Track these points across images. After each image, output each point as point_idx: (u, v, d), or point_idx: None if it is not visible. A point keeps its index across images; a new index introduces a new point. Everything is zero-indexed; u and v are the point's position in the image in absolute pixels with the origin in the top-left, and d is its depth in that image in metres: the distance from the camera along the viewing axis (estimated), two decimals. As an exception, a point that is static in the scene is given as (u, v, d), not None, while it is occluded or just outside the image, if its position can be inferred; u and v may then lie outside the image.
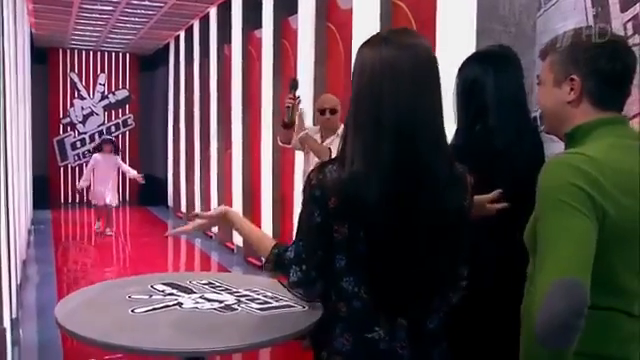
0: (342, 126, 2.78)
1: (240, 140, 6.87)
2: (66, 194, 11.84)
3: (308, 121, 4.85)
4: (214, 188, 7.98)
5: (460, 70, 1.94)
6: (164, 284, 1.50)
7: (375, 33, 1.37)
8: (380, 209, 1.22)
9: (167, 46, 10.66)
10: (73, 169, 11.89)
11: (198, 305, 1.35)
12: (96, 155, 8.21)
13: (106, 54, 11.96)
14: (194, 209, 9.05)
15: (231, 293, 1.46)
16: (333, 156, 2.78)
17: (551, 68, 1.30)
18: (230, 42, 7.18)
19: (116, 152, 8.44)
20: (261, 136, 6.19)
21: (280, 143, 4.14)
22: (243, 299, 1.40)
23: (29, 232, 7.59)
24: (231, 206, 7.33)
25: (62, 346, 4.08)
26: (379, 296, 1.25)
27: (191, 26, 9.00)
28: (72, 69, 11.79)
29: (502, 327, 1.46)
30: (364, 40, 1.35)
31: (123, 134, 12.25)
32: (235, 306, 1.35)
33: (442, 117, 1.30)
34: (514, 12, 3.31)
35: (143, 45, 10.96)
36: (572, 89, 1.26)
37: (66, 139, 11.83)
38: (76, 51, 11.72)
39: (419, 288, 1.27)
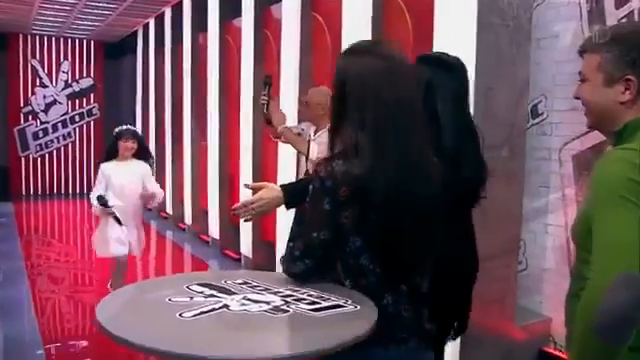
0: None
1: (217, 133, 6.72)
2: (27, 186, 11.42)
3: (294, 114, 4.78)
4: (187, 182, 7.80)
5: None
6: (200, 285, 1.41)
7: (356, 43, 1.56)
8: (389, 195, 1.38)
9: (135, 33, 10.35)
10: (35, 160, 11.46)
11: (246, 307, 1.27)
12: (107, 165, 4.19)
13: (69, 41, 11.53)
14: (164, 202, 8.85)
15: (273, 293, 1.38)
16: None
17: (600, 68, 1.30)
18: (205, 31, 7.00)
19: (144, 156, 4.36)
20: (240, 129, 6.07)
21: (273, 139, 4.09)
22: (289, 299, 1.33)
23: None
24: (207, 202, 7.23)
25: (43, 346, 3.92)
26: (390, 270, 1.42)
27: (162, 13, 8.75)
28: (33, 56, 11.33)
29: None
30: (348, 48, 1.54)
31: (87, 124, 11.87)
32: (285, 307, 1.28)
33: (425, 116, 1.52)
34: (512, 6, 3.32)
35: (109, 32, 10.62)
36: (627, 89, 1.27)
37: (27, 128, 11.38)
38: (37, 37, 11.26)
39: (418, 260, 1.48)
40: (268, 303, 1.30)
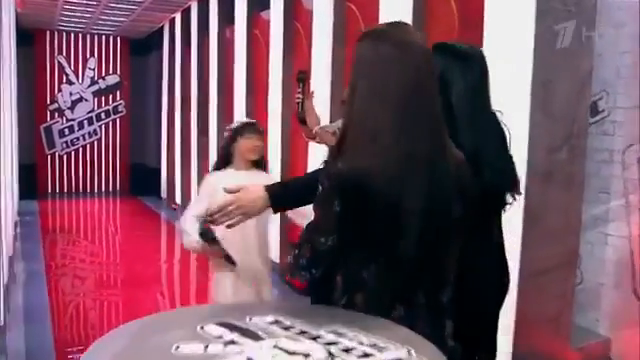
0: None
1: (243, 129, 6.43)
2: (53, 184, 11.30)
3: (326, 112, 4.47)
4: (213, 179, 7.53)
5: None
6: (217, 324, 1.10)
7: (372, 27, 1.47)
8: (390, 195, 1.27)
9: (161, 29, 10.15)
10: (61, 157, 11.35)
11: (277, 362, 0.95)
12: (218, 176, 2.71)
13: (96, 37, 11.39)
14: (189, 200, 8.63)
15: (313, 338, 1.06)
16: None
17: None
18: (233, 24, 6.73)
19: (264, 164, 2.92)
20: (268, 126, 5.77)
21: (307, 139, 3.80)
22: (335, 349, 1.01)
23: (15, 224, 7.11)
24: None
25: (54, 355, 3.68)
26: (397, 277, 1.30)
27: (188, 7, 8.51)
28: (60, 52, 11.20)
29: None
30: (363, 32, 1.42)
31: (113, 121, 11.70)
32: (331, 363, 0.96)
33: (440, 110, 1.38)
34: (575, -12, 2.97)
35: (135, 28, 10.44)
36: None
37: (54, 126, 11.27)
38: (64, 33, 11.14)
39: (438, 266, 1.35)
40: (307, 356, 0.98)
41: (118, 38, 11.51)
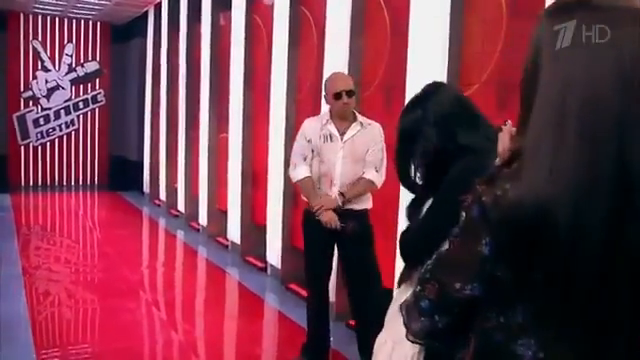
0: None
1: (240, 123, 5.99)
2: (27, 176, 10.67)
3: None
4: (204, 178, 7.07)
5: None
6: None
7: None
8: (594, 239, 0.87)
9: (145, 14, 9.59)
10: (35, 148, 10.71)
11: None
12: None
13: (74, 22, 10.75)
14: (176, 197, 8.16)
15: None
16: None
17: None
18: (229, 9, 6.26)
19: None
20: (268, 122, 5.34)
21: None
22: None
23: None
24: (225, 200, 6.53)
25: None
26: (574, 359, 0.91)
27: (177, -9, 8.00)
28: (35, 37, 10.53)
29: None
30: (549, 7, 0.97)
31: (92, 111, 11.08)
32: None
33: None
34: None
35: (118, 12, 9.86)
36: None
37: (27, 115, 10.61)
38: (40, 17, 10.48)
39: (623, 352, 0.91)
40: None
41: (98, 23, 10.89)
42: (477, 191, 0.95)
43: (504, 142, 1.12)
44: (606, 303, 0.90)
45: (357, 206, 3.27)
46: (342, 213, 3.21)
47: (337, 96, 3.19)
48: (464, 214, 0.98)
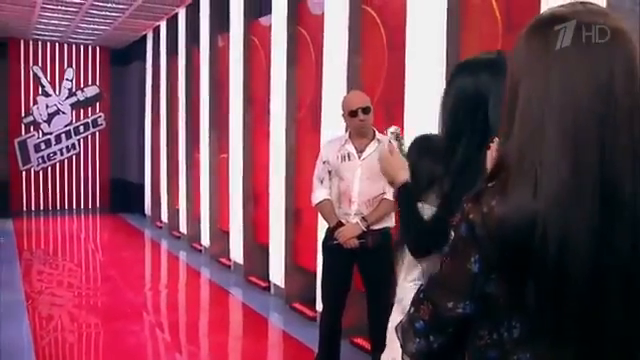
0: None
1: (240, 143, 6.01)
2: (29, 201, 10.68)
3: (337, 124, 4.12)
4: (205, 198, 7.08)
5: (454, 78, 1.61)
6: None
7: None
8: (581, 254, 0.87)
9: (144, 38, 9.68)
10: (37, 173, 10.74)
11: None
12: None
13: (74, 46, 10.84)
14: (178, 219, 8.16)
15: None
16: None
17: None
18: (227, 31, 6.32)
19: None
20: (269, 139, 5.36)
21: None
22: None
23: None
24: (227, 221, 6.53)
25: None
26: None
27: (175, 15, 8.07)
28: (35, 62, 10.62)
29: None
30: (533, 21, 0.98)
31: (93, 135, 11.13)
32: None
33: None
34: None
35: (116, 37, 9.94)
36: None
37: (29, 140, 10.64)
38: (40, 43, 10.57)
39: (616, 357, 0.92)
40: None
41: (97, 47, 10.98)
42: (464, 209, 0.95)
43: (493, 158, 1.13)
44: (599, 318, 0.90)
45: (378, 225, 3.25)
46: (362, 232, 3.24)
47: (353, 114, 3.21)
48: (453, 233, 0.98)
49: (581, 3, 0.96)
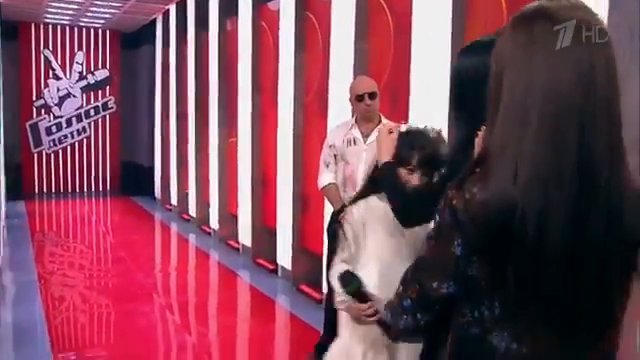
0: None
1: (249, 127, 6.07)
2: (41, 184, 10.82)
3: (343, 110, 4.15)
4: (214, 182, 7.15)
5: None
6: None
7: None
8: (558, 238, 0.92)
9: (154, 22, 9.71)
10: (48, 156, 10.86)
11: None
12: (360, 207, 2.01)
13: (84, 30, 10.89)
14: (187, 202, 8.25)
15: None
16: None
17: None
18: (236, 15, 6.34)
19: None
20: (277, 123, 5.41)
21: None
22: None
23: (2, 228, 6.67)
24: (235, 204, 6.60)
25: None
26: (545, 352, 0.98)
27: (184, -1, 8.10)
28: (46, 46, 10.69)
29: None
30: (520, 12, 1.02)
31: (103, 118, 11.22)
32: None
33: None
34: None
35: (126, 21, 9.98)
36: None
37: (40, 123, 10.76)
38: (50, 26, 10.63)
39: (591, 338, 0.99)
40: None
41: (107, 31, 11.02)
42: (448, 195, 1.00)
43: (478, 145, 1.17)
44: (574, 298, 0.96)
45: None
46: None
47: (359, 98, 3.25)
48: (437, 218, 1.04)
49: None
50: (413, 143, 1.86)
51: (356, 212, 1.98)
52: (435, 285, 1.03)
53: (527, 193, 0.93)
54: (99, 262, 6.66)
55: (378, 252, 1.94)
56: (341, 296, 1.87)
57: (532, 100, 0.95)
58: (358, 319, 1.86)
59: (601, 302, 0.98)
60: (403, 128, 1.96)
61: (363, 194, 2.02)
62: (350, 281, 1.80)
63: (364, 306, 1.80)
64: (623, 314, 1.03)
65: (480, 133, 1.20)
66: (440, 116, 3.07)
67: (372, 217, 1.95)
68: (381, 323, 1.73)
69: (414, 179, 1.85)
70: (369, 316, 1.79)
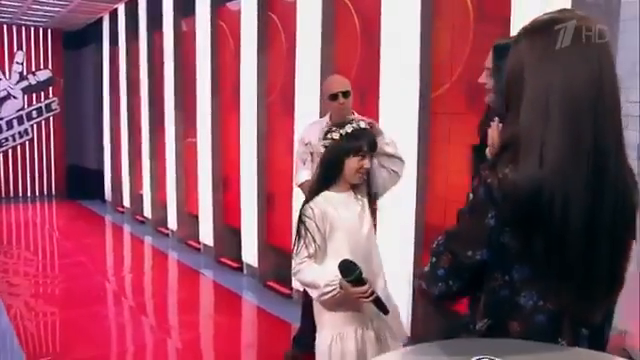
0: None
1: (209, 128, 6.10)
2: (-21, 189, 10.38)
3: (312, 108, 4.28)
4: (171, 183, 7.12)
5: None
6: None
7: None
8: (578, 212, 1.10)
9: (99, 20, 9.50)
10: (-13, 161, 10.45)
11: None
12: (317, 202, 2.20)
13: (23, 29, 10.52)
14: (141, 203, 8.15)
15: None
16: None
17: None
18: (193, 15, 6.34)
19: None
20: (239, 123, 5.48)
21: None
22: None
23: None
24: (195, 204, 6.59)
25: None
26: (567, 306, 1.16)
27: (134, -3, 7.99)
28: (-17, 45, 10.28)
29: None
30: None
31: (46, 120, 10.87)
32: None
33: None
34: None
35: (70, 20, 9.72)
36: None
37: (-21, 126, 10.34)
38: (-13, 25, 10.23)
39: (603, 293, 1.18)
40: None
41: (49, 30, 10.69)
42: (482, 175, 1.16)
43: (493, 137, 1.37)
44: (591, 259, 1.14)
45: None
46: None
47: (333, 97, 3.33)
48: (472, 195, 1.19)
49: (568, 10, 1.21)
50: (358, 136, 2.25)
51: (314, 207, 2.18)
52: (470, 253, 1.18)
53: (552, 175, 1.10)
54: (50, 268, 6.49)
55: (345, 226, 2.17)
56: (330, 288, 2.06)
57: (553, 98, 1.13)
58: (354, 301, 2.08)
59: (611, 264, 1.17)
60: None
61: (316, 192, 2.23)
62: (353, 270, 2.01)
63: (364, 288, 2.03)
64: (625, 275, 1.23)
65: (493, 124, 1.37)
66: (409, 111, 3.27)
67: (330, 206, 2.18)
68: (376, 301, 2.04)
69: (366, 163, 2.21)
70: (368, 296, 2.03)
